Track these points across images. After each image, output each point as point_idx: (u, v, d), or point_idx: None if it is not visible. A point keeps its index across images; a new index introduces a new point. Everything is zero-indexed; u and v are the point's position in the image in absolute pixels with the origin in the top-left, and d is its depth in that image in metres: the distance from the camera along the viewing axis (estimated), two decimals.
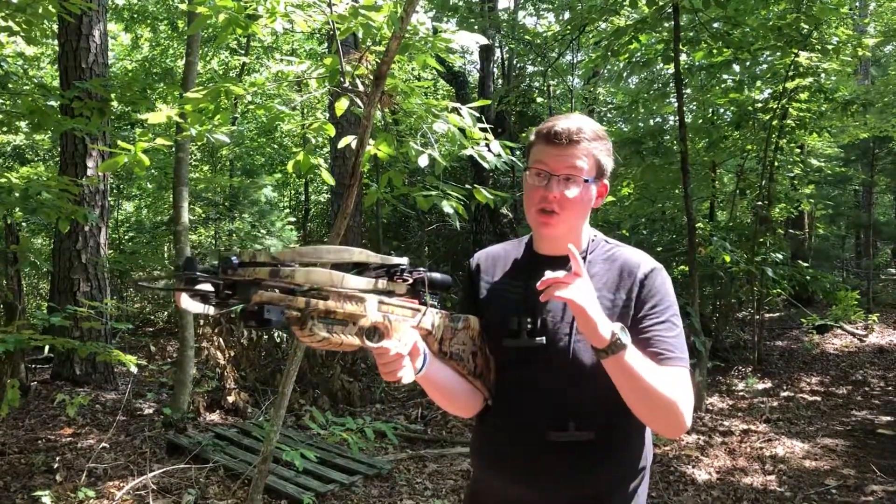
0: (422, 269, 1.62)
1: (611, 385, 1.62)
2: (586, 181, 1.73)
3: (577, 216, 1.75)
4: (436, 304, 1.68)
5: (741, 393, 7.98)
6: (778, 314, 12.50)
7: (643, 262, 1.75)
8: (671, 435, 1.71)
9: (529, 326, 1.75)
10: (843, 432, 6.58)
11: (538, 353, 1.73)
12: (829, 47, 7.79)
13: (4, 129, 7.36)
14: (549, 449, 1.71)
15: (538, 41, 12.01)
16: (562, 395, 1.70)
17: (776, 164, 9.20)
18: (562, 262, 1.77)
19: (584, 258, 1.78)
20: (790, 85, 8.19)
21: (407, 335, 1.53)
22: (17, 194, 4.85)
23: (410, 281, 1.54)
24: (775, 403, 7.54)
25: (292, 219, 15.88)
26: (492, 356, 1.81)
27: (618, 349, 1.53)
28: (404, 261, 1.54)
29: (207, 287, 1.19)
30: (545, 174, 1.73)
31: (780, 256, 9.23)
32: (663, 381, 1.59)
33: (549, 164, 1.73)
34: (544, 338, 1.73)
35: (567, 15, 10.90)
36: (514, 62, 13.81)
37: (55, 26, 7.67)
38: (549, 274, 1.53)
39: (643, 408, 1.63)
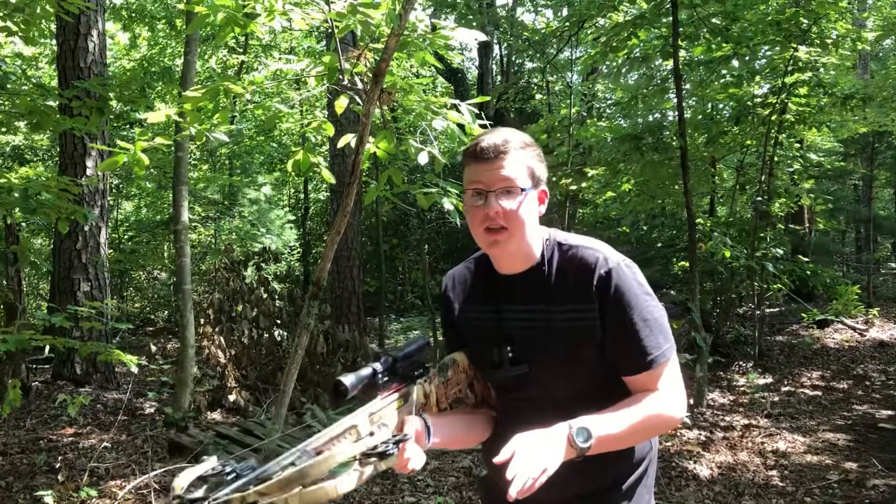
0: (393, 355, 1.64)
1: (600, 399, 1.67)
2: (523, 190, 1.68)
3: (523, 227, 1.70)
4: (421, 370, 1.70)
5: (742, 388, 7.99)
6: (778, 309, 12.50)
7: (597, 266, 1.69)
8: (669, 431, 1.76)
9: (511, 355, 1.74)
10: (845, 427, 6.58)
11: (525, 378, 1.74)
12: (829, 42, 7.78)
13: (3, 129, 7.35)
14: None
15: (537, 37, 11.98)
16: (553, 412, 1.71)
17: (776, 159, 9.19)
18: (521, 279, 1.76)
19: (544, 270, 1.74)
20: (789, 80, 8.19)
21: (406, 427, 1.56)
22: (16, 194, 4.85)
23: (398, 449, 1.49)
24: (776, 398, 7.54)
25: (292, 217, 15.88)
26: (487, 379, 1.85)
27: (584, 450, 1.57)
28: (385, 434, 1.48)
29: None
30: (483, 192, 1.69)
31: (781, 251, 9.23)
32: (641, 412, 1.65)
33: (483, 181, 1.69)
34: (527, 365, 1.73)
35: (565, 11, 10.90)
36: (513, 58, 13.80)
37: (53, 26, 7.67)
38: (511, 493, 1.46)
39: (644, 440, 1.74)
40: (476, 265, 1.90)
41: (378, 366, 1.58)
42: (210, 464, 1.27)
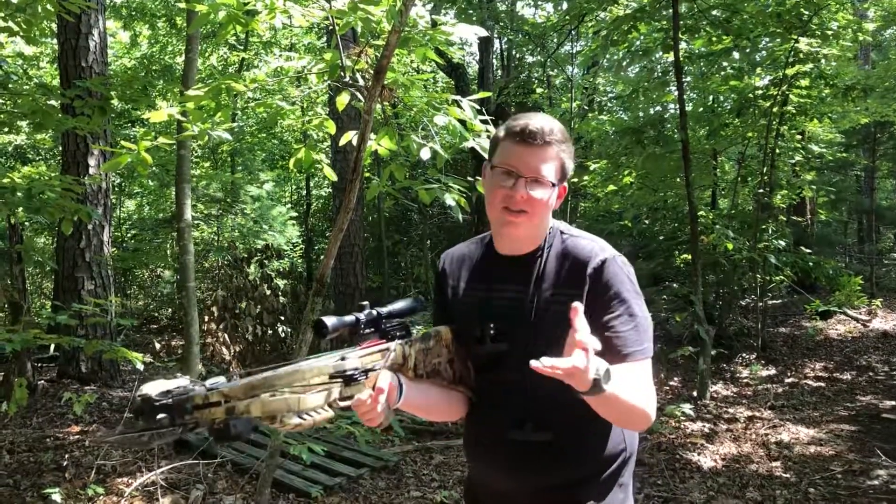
0: (379, 310, 1.65)
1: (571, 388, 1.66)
2: (553, 185, 1.70)
3: (541, 217, 1.73)
4: (405, 332, 1.70)
5: (745, 380, 8.00)
6: (781, 301, 12.50)
7: (593, 254, 1.71)
8: (637, 430, 1.77)
9: (493, 332, 1.75)
10: (848, 417, 6.60)
11: (504, 357, 1.75)
12: (829, 33, 7.77)
13: (6, 129, 7.37)
14: (512, 446, 1.76)
15: (537, 31, 11.98)
16: (524, 396, 1.73)
17: (777, 150, 9.19)
18: (518, 261, 1.78)
19: (542, 255, 1.76)
20: (790, 71, 8.18)
21: (380, 380, 1.53)
22: (20, 194, 4.86)
23: (366, 378, 1.47)
24: (780, 390, 7.55)
25: (294, 213, 15.88)
26: (468, 358, 1.85)
27: (598, 391, 1.46)
28: (355, 362, 1.46)
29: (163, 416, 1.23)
30: (514, 174, 1.69)
31: (783, 243, 9.23)
32: (635, 394, 1.59)
33: (518, 165, 1.69)
34: (506, 343, 1.73)
35: (565, 5, 10.88)
36: (514, 53, 13.79)
37: (54, 25, 7.67)
38: (548, 363, 1.40)
39: (618, 421, 1.68)
40: (477, 245, 1.92)
41: (362, 316, 1.60)
42: (181, 381, 1.28)
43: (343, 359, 1.44)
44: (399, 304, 1.71)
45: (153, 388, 1.24)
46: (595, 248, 1.72)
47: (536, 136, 1.69)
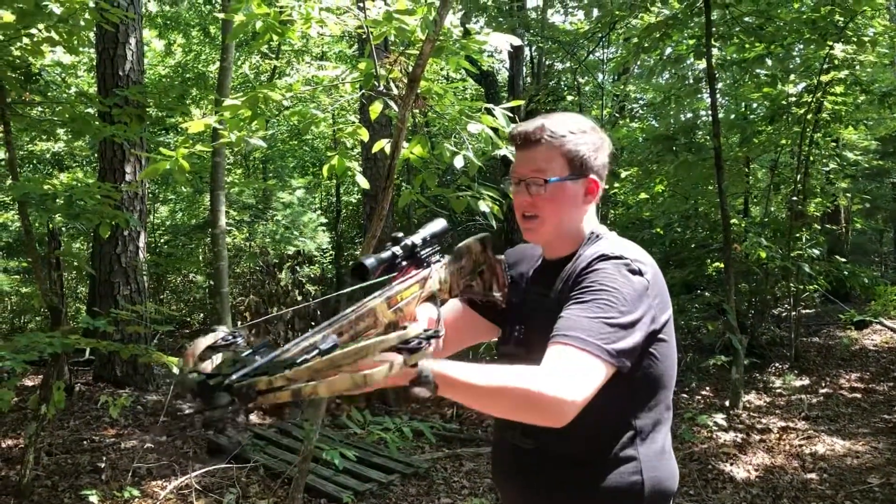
0: (413, 239, 1.63)
1: None
2: (547, 181, 1.65)
3: (558, 216, 1.68)
4: (439, 257, 1.69)
5: (778, 390, 7.90)
6: (814, 310, 12.33)
7: (596, 254, 1.62)
8: (552, 423, 1.44)
9: (517, 335, 1.77)
10: (886, 429, 6.48)
11: (519, 360, 1.67)
12: (866, 39, 7.67)
13: (45, 136, 7.52)
14: (507, 449, 1.76)
15: (568, 39, 11.96)
16: None
17: (811, 158, 9.08)
18: (552, 266, 1.75)
19: (573, 260, 1.69)
20: (825, 78, 8.08)
21: (419, 314, 1.56)
22: (60, 200, 4.97)
23: (429, 344, 1.30)
24: (814, 400, 7.44)
25: (324, 220, 15.96)
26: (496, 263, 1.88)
27: (425, 383, 1.31)
28: (418, 329, 1.29)
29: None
30: (519, 180, 1.70)
31: (817, 252, 9.10)
32: (507, 377, 1.41)
33: (518, 170, 1.71)
34: (525, 349, 1.70)
35: (597, 12, 10.86)
36: (544, 60, 13.77)
37: (92, 35, 7.82)
38: None
39: (494, 410, 1.54)
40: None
41: (398, 250, 1.58)
42: (221, 333, 1.23)
43: (406, 327, 1.30)
44: (430, 228, 1.69)
45: (199, 349, 1.20)
46: (605, 248, 1.63)
47: (518, 138, 1.70)
